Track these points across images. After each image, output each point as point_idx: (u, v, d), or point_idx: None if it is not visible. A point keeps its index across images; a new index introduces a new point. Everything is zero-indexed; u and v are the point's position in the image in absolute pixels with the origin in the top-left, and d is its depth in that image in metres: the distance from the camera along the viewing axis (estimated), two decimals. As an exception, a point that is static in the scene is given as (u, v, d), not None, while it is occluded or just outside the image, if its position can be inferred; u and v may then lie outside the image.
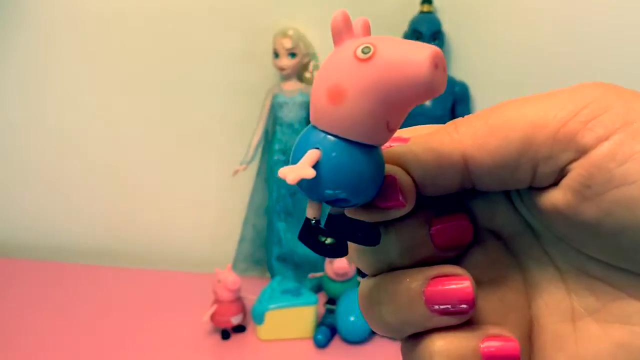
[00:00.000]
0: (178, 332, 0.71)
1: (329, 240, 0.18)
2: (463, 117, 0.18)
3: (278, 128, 0.76)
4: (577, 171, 0.16)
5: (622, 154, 0.15)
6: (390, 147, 0.19)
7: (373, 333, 0.71)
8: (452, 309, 0.18)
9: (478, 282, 0.18)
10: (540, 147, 0.17)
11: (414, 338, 0.19)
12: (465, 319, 0.18)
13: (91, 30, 0.81)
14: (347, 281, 0.73)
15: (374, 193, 0.18)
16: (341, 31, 0.17)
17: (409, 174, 0.18)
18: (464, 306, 0.18)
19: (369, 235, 0.18)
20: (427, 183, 0.18)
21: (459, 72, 0.76)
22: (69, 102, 0.85)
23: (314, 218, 0.18)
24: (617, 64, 0.73)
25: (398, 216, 0.18)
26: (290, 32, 0.73)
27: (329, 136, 0.17)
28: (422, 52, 0.16)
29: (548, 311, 0.19)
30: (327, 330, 0.69)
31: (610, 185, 0.16)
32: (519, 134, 0.17)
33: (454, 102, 0.74)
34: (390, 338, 0.19)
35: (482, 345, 0.18)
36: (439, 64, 0.16)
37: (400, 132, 0.19)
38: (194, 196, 0.88)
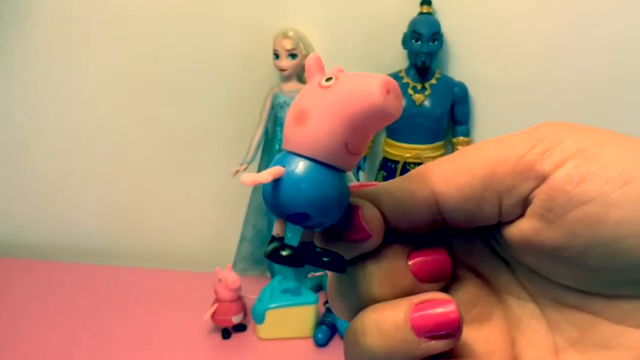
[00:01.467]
0: (179, 331, 0.71)
1: (285, 252, 0.19)
2: (435, 160, 0.20)
3: (278, 128, 0.76)
4: (539, 197, 0.17)
5: (578, 176, 0.17)
6: (365, 186, 0.20)
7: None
8: (439, 334, 0.18)
9: (463, 320, 0.19)
10: (502, 179, 0.18)
11: None
12: (454, 343, 0.18)
13: (92, 31, 0.81)
14: (347, 281, 0.73)
15: (336, 215, 0.18)
16: (312, 71, 0.19)
17: (379, 208, 0.19)
18: (451, 329, 0.18)
19: (335, 262, 0.19)
20: (399, 218, 0.19)
21: (458, 72, 0.76)
22: (69, 102, 0.85)
23: (278, 234, 0.19)
24: (617, 64, 0.73)
25: (368, 249, 0.19)
26: (291, 33, 0.73)
27: (293, 155, 0.18)
28: (375, 80, 0.17)
29: (531, 347, 0.19)
30: (327, 329, 0.69)
31: (570, 206, 0.17)
32: (483, 170, 0.18)
33: (453, 103, 0.74)
34: None
35: None
36: (391, 91, 0.17)
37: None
38: (194, 196, 0.88)
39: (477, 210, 0.18)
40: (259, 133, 0.77)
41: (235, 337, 0.70)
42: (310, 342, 0.69)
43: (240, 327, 0.71)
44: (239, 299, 0.70)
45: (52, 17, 0.81)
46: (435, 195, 0.19)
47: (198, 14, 0.78)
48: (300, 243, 0.19)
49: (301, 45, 0.74)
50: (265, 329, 0.69)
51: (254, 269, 0.84)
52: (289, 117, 0.19)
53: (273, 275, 0.79)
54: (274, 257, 0.19)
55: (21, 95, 0.86)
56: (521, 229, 0.18)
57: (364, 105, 0.17)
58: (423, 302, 0.18)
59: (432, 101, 0.73)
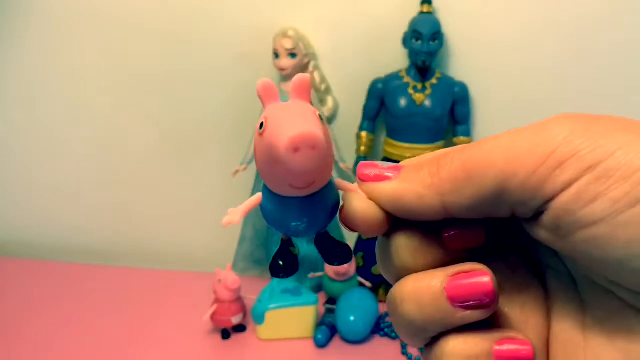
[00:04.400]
0: (178, 331, 0.71)
1: (295, 250, 0.22)
2: (445, 153, 0.19)
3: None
4: (548, 213, 0.17)
5: (587, 196, 0.16)
6: (382, 177, 0.20)
7: (373, 333, 0.71)
8: (474, 304, 0.18)
9: (499, 288, 0.19)
10: (512, 194, 0.17)
11: (432, 343, 0.19)
12: (488, 313, 0.18)
13: (91, 31, 0.81)
14: (347, 281, 0.73)
15: (321, 224, 0.20)
16: (262, 98, 0.20)
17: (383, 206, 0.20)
18: (487, 300, 0.18)
19: (343, 252, 0.22)
20: (409, 218, 0.20)
21: (458, 72, 0.76)
22: (69, 103, 0.85)
23: (285, 238, 0.22)
24: (617, 64, 0.73)
25: (377, 235, 0.21)
26: (291, 33, 0.73)
27: (264, 186, 0.20)
28: (285, 137, 0.17)
29: (562, 320, 0.20)
30: (327, 330, 0.69)
31: (577, 226, 0.17)
32: (492, 182, 0.18)
33: (453, 102, 0.74)
34: (415, 346, 0.20)
35: (495, 348, 0.18)
36: (302, 148, 0.17)
37: (402, 162, 0.21)
38: (194, 196, 0.88)
39: (489, 213, 0.19)
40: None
41: (235, 338, 0.70)
42: (310, 342, 0.69)
43: (240, 328, 0.71)
44: (239, 299, 0.70)
45: (48, 16, 0.81)
46: (444, 203, 0.19)
47: (198, 13, 0.78)
48: (318, 234, 0.21)
49: (301, 44, 0.73)
50: (265, 330, 0.69)
51: (253, 269, 0.84)
52: None
53: (273, 275, 0.79)
54: (279, 259, 0.22)
55: (21, 96, 0.86)
56: (537, 233, 0.18)
57: (275, 159, 0.18)
58: (459, 272, 0.19)
59: (433, 101, 0.73)
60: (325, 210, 0.20)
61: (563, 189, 0.17)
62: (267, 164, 0.18)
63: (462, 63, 0.76)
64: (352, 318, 0.68)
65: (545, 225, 0.17)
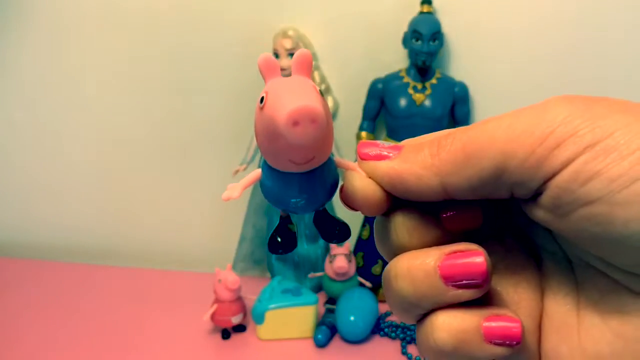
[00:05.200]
0: (178, 331, 0.71)
1: (293, 227, 0.22)
2: (446, 134, 0.19)
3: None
4: (547, 193, 0.17)
5: (584, 175, 0.16)
6: (382, 157, 0.20)
7: (373, 333, 0.71)
8: (466, 283, 0.19)
9: (493, 267, 0.19)
10: (511, 174, 0.18)
11: (423, 319, 0.20)
12: (480, 293, 0.19)
13: (91, 31, 0.81)
14: (347, 281, 0.73)
15: (320, 201, 0.20)
16: (263, 73, 0.20)
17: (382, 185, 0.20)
18: (479, 280, 0.18)
19: (341, 230, 0.22)
20: (408, 198, 0.20)
21: (458, 72, 0.76)
22: (69, 103, 0.85)
23: (284, 215, 0.22)
24: (616, 64, 0.73)
25: (376, 214, 0.21)
26: (291, 33, 0.73)
27: (264, 161, 0.20)
28: (284, 111, 0.17)
29: (556, 301, 0.20)
30: (327, 329, 0.69)
31: (576, 205, 0.17)
32: (491, 162, 0.18)
33: (453, 103, 0.74)
34: (408, 321, 0.21)
35: (484, 324, 0.19)
36: (301, 121, 0.17)
37: (402, 142, 0.21)
38: (194, 196, 0.88)
39: (488, 194, 0.19)
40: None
41: (235, 338, 0.70)
42: (310, 342, 0.69)
43: (240, 328, 0.71)
44: (239, 299, 0.70)
45: (47, 17, 0.81)
46: (444, 184, 0.19)
47: (198, 13, 0.78)
48: (317, 212, 0.21)
49: (301, 44, 0.73)
50: (265, 330, 0.69)
51: (253, 269, 0.84)
52: None
53: (273, 275, 0.79)
54: (277, 236, 0.22)
55: (21, 96, 0.86)
56: (536, 214, 0.18)
57: (275, 133, 0.18)
58: (454, 252, 0.19)
59: (433, 101, 0.73)
60: (324, 187, 0.20)
61: (561, 168, 0.17)
62: (267, 139, 0.19)
63: (462, 63, 0.76)
64: (352, 318, 0.68)
65: (544, 205, 0.18)
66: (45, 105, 0.86)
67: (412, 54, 0.72)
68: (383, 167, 0.20)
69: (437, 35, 0.71)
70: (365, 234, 0.78)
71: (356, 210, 0.21)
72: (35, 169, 0.90)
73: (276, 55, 0.73)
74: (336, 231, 0.22)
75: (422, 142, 0.20)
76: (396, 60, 0.76)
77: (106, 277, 0.84)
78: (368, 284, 0.76)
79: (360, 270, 0.78)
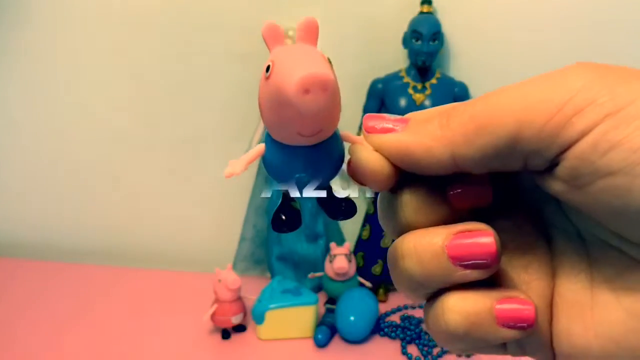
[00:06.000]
0: (178, 331, 0.71)
1: (297, 205, 0.21)
2: (456, 105, 0.19)
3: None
4: (564, 164, 0.17)
5: (605, 145, 0.15)
6: (389, 130, 0.19)
7: (373, 333, 0.71)
8: (475, 263, 0.18)
9: (503, 247, 0.19)
10: (527, 143, 0.17)
11: (432, 298, 0.19)
12: (489, 273, 0.18)
13: (92, 31, 0.81)
14: (347, 281, 0.73)
15: (327, 175, 0.19)
16: (267, 41, 0.19)
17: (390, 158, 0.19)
18: (488, 260, 0.18)
19: (348, 207, 0.21)
20: (416, 171, 0.19)
21: (458, 72, 0.76)
22: (70, 103, 0.85)
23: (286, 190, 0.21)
24: (617, 64, 0.73)
25: (383, 189, 0.20)
26: (291, 33, 0.73)
27: (267, 135, 0.19)
28: (294, 78, 0.16)
29: (568, 280, 0.19)
30: (327, 329, 0.69)
31: (595, 176, 0.16)
32: (506, 131, 0.17)
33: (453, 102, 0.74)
34: (415, 300, 0.21)
35: (497, 306, 0.18)
36: (312, 89, 0.16)
37: (407, 115, 0.20)
38: (194, 196, 0.88)
39: (500, 166, 0.18)
40: (259, 132, 0.77)
41: (235, 338, 0.70)
42: (310, 342, 0.69)
43: (240, 328, 0.71)
44: (239, 299, 0.70)
45: (48, 17, 0.81)
46: (454, 156, 0.18)
47: (197, 13, 0.78)
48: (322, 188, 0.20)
49: (301, 44, 0.73)
50: (265, 330, 0.69)
51: (254, 269, 0.84)
52: None
53: (273, 275, 0.79)
54: (287, 209, 0.21)
55: (21, 96, 0.86)
56: (551, 186, 0.17)
57: (283, 103, 0.17)
58: (462, 231, 0.18)
59: (433, 101, 0.73)
60: (330, 162, 0.19)
61: (580, 138, 0.16)
62: (274, 110, 0.18)
63: (462, 63, 0.76)
64: (352, 318, 0.68)
65: (561, 176, 0.17)
66: (45, 105, 0.86)
67: (412, 54, 0.72)
68: (390, 140, 0.19)
69: (437, 35, 0.71)
70: (366, 234, 0.78)
71: (364, 185, 0.20)
72: (35, 168, 0.90)
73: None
74: (342, 207, 0.21)
75: (430, 115, 0.19)
76: (396, 60, 0.76)
77: (106, 277, 0.84)
78: (368, 284, 0.76)
79: (360, 270, 0.78)
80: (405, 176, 0.19)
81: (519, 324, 0.18)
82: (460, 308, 0.18)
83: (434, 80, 0.73)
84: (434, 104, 0.73)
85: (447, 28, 0.74)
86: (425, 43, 0.70)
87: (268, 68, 0.18)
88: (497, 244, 0.18)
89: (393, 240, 0.20)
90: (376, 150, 0.19)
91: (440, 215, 0.19)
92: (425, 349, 0.68)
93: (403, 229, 0.20)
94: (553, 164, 0.17)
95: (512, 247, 0.20)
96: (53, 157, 0.88)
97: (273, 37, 0.19)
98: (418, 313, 0.75)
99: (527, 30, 0.73)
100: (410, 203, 0.19)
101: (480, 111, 0.17)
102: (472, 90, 0.75)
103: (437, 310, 0.19)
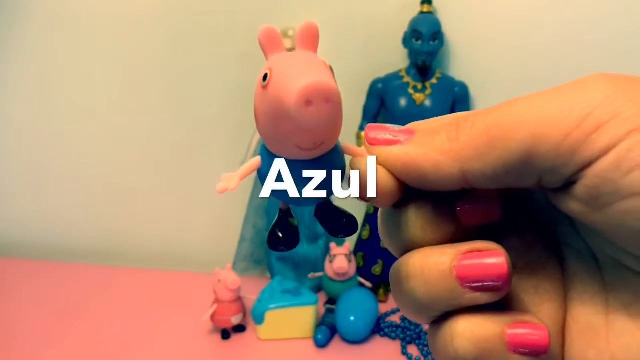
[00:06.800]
0: (178, 332, 0.71)
1: (294, 221, 0.20)
2: (466, 116, 0.17)
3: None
4: (583, 182, 0.15)
5: (629, 163, 0.14)
6: (393, 142, 0.18)
7: (373, 333, 0.71)
8: (485, 285, 0.17)
9: (513, 267, 0.17)
10: (542, 159, 0.16)
11: (439, 321, 0.18)
12: (499, 296, 0.17)
13: (91, 31, 0.81)
14: (347, 281, 0.73)
15: (326, 190, 0.18)
16: (264, 47, 0.18)
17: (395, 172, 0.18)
18: (499, 283, 0.17)
19: (348, 223, 0.19)
20: (422, 187, 0.18)
21: (459, 72, 0.76)
22: (69, 103, 0.85)
23: (284, 208, 0.20)
24: (618, 64, 0.73)
25: (386, 205, 0.19)
26: (291, 33, 0.73)
27: (263, 147, 0.18)
28: (295, 85, 0.15)
29: (582, 303, 0.18)
30: (327, 330, 0.69)
31: (617, 197, 0.15)
32: (520, 146, 0.16)
33: (453, 102, 0.74)
34: (418, 322, 0.19)
35: (508, 332, 0.17)
36: (314, 100, 0.15)
37: (410, 125, 0.19)
38: (194, 196, 0.88)
39: (513, 183, 0.17)
40: (258, 133, 0.77)
41: (235, 338, 0.70)
42: (310, 342, 0.69)
43: (240, 328, 0.71)
44: (239, 299, 0.70)
45: (47, 16, 0.81)
46: (464, 172, 0.17)
47: (198, 13, 0.78)
48: (320, 204, 0.19)
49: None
50: (265, 330, 0.69)
51: (254, 269, 0.84)
52: None
53: (273, 275, 0.79)
54: (284, 226, 0.19)
55: (20, 96, 0.86)
56: (567, 205, 0.16)
57: (282, 115, 0.16)
58: (471, 251, 0.17)
59: (433, 101, 0.73)
60: (330, 176, 0.18)
61: (601, 155, 0.15)
62: (271, 122, 0.16)
63: (462, 63, 0.76)
64: (352, 318, 0.68)
65: (578, 196, 0.16)
66: (45, 105, 0.86)
67: (412, 54, 0.72)
68: (395, 153, 0.18)
69: (437, 35, 0.71)
70: (366, 234, 0.78)
71: (367, 201, 0.18)
72: (35, 169, 0.90)
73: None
74: (343, 222, 0.20)
75: (437, 126, 0.18)
76: (396, 60, 0.76)
77: (106, 277, 0.84)
78: (368, 284, 0.76)
79: (360, 271, 0.78)
80: (410, 191, 0.18)
81: (531, 350, 0.17)
82: (470, 334, 0.17)
83: (434, 80, 0.73)
84: (434, 104, 0.72)
85: (447, 28, 0.74)
86: (425, 43, 0.70)
87: (265, 77, 0.17)
88: (508, 264, 0.17)
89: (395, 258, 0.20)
90: (379, 164, 0.18)
91: (447, 232, 0.18)
92: (425, 349, 0.68)
93: (407, 247, 0.19)
94: (570, 182, 0.16)
95: (521, 267, 0.19)
96: (52, 157, 0.88)
97: (270, 42, 0.18)
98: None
99: (527, 30, 0.73)
100: (416, 220, 0.18)
101: (492, 124, 0.16)
102: (472, 90, 0.75)
103: (445, 336, 0.18)
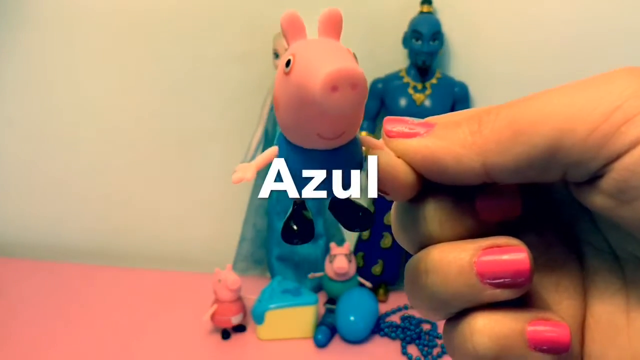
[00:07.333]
0: (178, 332, 0.71)
1: (309, 214, 0.19)
2: (488, 110, 0.17)
3: (278, 128, 0.76)
4: (610, 175, 0.15)
5: None
6: (412, 134, 0.18)
7: (373, 333, 0.71)
8: (506, 282, 0.17)
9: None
10: (568, 153, 0.15)
11: (456, 318, 0.18)
12: (520, 292, 0.17)
13: (91, 30, 0.81)
14: (347, 281, 0.73)
15: (344, 183, 0.18)
16: (286, 33, 0.17)
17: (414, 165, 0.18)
18: (520, 279, 0.17)
19: (364, 217, 0.19)
20: (442, 181, 0.18)
21: (458, 72, 0.76)
22: (69, 103, 0.85)
23: (299, 200, 0.19)
24: (618, 63, 0.73)
25: (403, 199, 0.18)
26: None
27: (281, 136, 0.18)
28: (320, 71, 0.15)
29: (602, 301, 0.18)
30: (327, 330, 0.69)
31: None
32: (546, 140, 0.15)
33: (453, 103, 0.74)
34: (433, 319, 0.19)
35: (529, 328, 0.17)
36: (340, 86, 0.15)
37: (429, 118, 0.19)
38: (194, 196, 0.88)
39: (536, 177, 0.16)
40: (259, 133, 0.77)
41: (235, 338, 0.70)
42: (311, 342, 0.69)
43: (240, 328, 0.71)
44: (239, 299, 0.70)
45: (50, 18, 0.81)
46: (486, 166, 0.16)
47: (197, 13, 0.78)
48: (332, 200, 0.19)
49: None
50: (265, 330, 0.69)
51: (254, 269, 0.84)
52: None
53: (273, 275, 0.79)
54: (293, 223, 0.19)
55: (20, 96, 0.86)
56: (592, 200, 0.16)
57: (305, 102, 0.15)
58: (492, 246, 0.17)
59: (433, 101, 0.73)
60: (349, 168, 0.18)
61: (630, 148, 0.15)
62: (294, 109, 0.16)
63: (462, 63, 0.76)
64: (352, 318, 0.68)
65: (605, 190, 0.15)
66: (44, 105, 0.86)
67: (412, 54, 0.72)
68: (415, 146, 0.18)
69: (437, 35, 0.71)
70: (365, 234, 0.78)
71: (385, 194, 0.18)
72: (35, 168, 0.89)
73: (276, 55, 0.73)
74: (359, 216, 0.19)
75: (458, 119, 0.17)
76: (396, 60, 0.76)
77: (106, 277, 0.84)
78: (368, 284, 0.76)
79: (360, 271, 0.78)
80: (429, 185, 0.18)
81: (552, 348, 0.17)
82: (490, 330, 0.17)
83: (434, 80, 0.73)
84: (434, 104, 0.73)
85: (447, 28, 0.74)
86: (425, 43, 0.70)
87: (288, 63, 0.16)
88: (530, 260, 0.17)
89: (409, 254, 0.19)
90: (399, 157, 0.18)
91: (466, 228, 0.18)
92: (425, 349, 0.68)
93: (424, 243, 0.18)
94: (596, 176, 0.16)
95: (541, 264, 0.19)
96: (52, 157, 0.88)
97: (293, 28, 0.17)
98: (418, 313, 0.75)
99: (527, 29, 0.73)
100: (434, 215, 0.18)
101: (516, 118, 0.16)
102: (472, 90, 0.75)
103: (463, 332, 0.17)
